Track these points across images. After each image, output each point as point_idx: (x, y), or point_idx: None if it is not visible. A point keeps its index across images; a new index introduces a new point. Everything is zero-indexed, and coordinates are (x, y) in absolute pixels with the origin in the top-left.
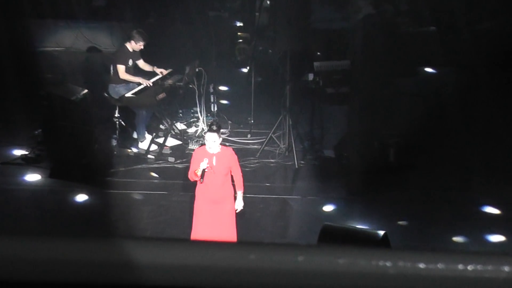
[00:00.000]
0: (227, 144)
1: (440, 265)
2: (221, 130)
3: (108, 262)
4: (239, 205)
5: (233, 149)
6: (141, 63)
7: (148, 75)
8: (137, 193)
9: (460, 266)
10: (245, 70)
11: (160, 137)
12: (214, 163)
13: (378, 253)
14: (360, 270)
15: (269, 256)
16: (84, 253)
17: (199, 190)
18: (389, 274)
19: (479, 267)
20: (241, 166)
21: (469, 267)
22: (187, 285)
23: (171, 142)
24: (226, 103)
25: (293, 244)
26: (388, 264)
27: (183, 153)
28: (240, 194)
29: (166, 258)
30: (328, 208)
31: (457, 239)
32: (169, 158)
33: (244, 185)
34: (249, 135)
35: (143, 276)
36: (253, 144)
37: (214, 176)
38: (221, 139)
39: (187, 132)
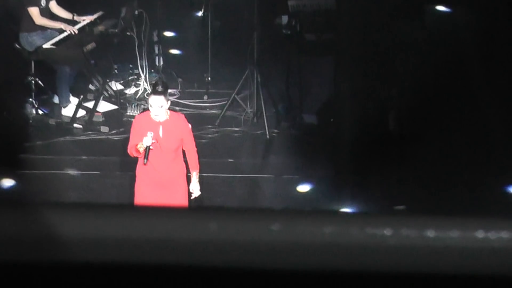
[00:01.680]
0: (177, 109)
1: (453, 233)
2: (169, 91)
3: (26, 234)
4: (195, 188)
5: (185, 115)
6: (54, 6)
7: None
8: (60, 173)
9: (479, 234)
10: (199, 11)
11: (89, 100)
12: (160, 134)
13: (372, 219)
14: (352, 239)
15: (236, 224)
16: None
17: (141, 170)
18: (387, 244)
19: (504, 234)
20: (196, 137)
21: (491, 235)
22: (128, 261)
23: (104, 107)
24: (175, 55)
25: (267, 209)
26: (386, 232)
27: (119, 121)
28: (195, 175)
29: (100, 228)
30: (309, 189)
31: None
32: (101, 127)
33: (199, 163)
34: (205, 97)
35: (71, 251)
36: (211, 108)
37: (161, 152)
38: (169, 103)
39: (125, 94)
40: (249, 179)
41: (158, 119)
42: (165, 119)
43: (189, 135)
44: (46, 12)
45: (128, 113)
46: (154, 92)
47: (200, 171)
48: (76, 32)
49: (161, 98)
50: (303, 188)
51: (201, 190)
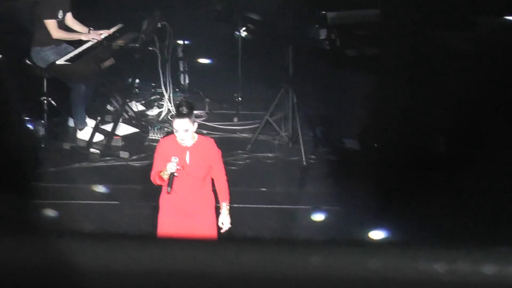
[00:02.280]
0: (204, 132)
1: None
2: (196, 113)
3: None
4: (225, 221)
5: (214, 139)
6: (69, 19)
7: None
8: (75, 203)
9: None
10: (228, 24)
11: (107, 123)
12: (187, 160)
13: (424, 252)
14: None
15: (271, 257)
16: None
17: (165, 199)
18: (441, 281)
19: None
20: (225, 163)
21: None
22: None
23: (124, 130)
24: (202, 73)
25: (306, 240)
26: (439, 267)
27: (141, 146)
28: (225, 206)
29: (120, 260)
30: (350, 222)
31: None
32: (120, 153)
33: (230, 192)
34: (235, 119)
35: (89, 285)
36: (242, 131)
37: (188, 180)
38: (196, 125)
39: (147, 116)
40: (284, 210)
41: (185, 143)
42: (192, 143)
43: (219, 161)
44: (62, 26)
45: (150, 137)
46: (179, 114)
47: (230, 202)
48: (101, 39)
49: (186, 121)
50: (344, 220)
51: (231, 222)
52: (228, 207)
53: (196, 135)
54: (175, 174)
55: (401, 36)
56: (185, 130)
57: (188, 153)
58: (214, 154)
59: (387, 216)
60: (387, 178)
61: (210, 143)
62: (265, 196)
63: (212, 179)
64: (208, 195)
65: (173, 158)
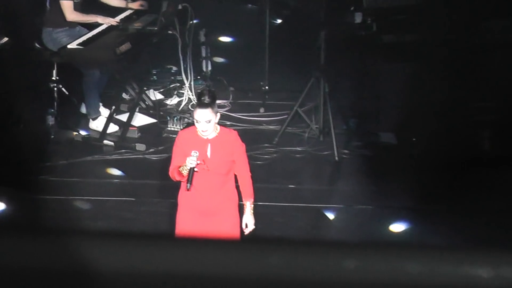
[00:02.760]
0: (228, 123)
1: None
2: (218, 103)
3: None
4: (249, 221)
5: (238, 132)
6: None
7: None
8: (87, 199)
9: None
10: (255, 6)
11: (122, 112)
12: (208, 154)
13: (466, 256)
14: None
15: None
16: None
17: (184, 196)
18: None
19: None
20: (250, 158)
21: None
22: None
23: (140, 120)
24: (225, 59)
25: (340, 242)
26: (483, 272)
27: (158, 138)
28: (249, 205)
29: (137, 261)
30: (386, 222)
31: None
32: (137, 145)
33: (254, 189)
34: (262, 109)
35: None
36: (269, 123)
37: (209, 176)
38: (218, 116)
39: (165, 105)
40: (313, 209)
41: (206, 136)
42: (214, 136)
43: (243, 156)
44: (78, 7)
45: (169, 128)
46: (200, 104)
47: (255, 200)
48: (118, 23)
49: (208, 111)
50: (379, 221)
51: (255, 223)
52: (253, 206)
53: (218, 127)
54: (196, 169)
55: (445, 23)
56: (207, 121)
57: (209, 146)
58: (237, 147)
59: (426, 217)
60: (426, 176)
61: (233, 136)
62: (293, 194)
63: (235, 175)
64: (231, 192)
65: (193, 152)
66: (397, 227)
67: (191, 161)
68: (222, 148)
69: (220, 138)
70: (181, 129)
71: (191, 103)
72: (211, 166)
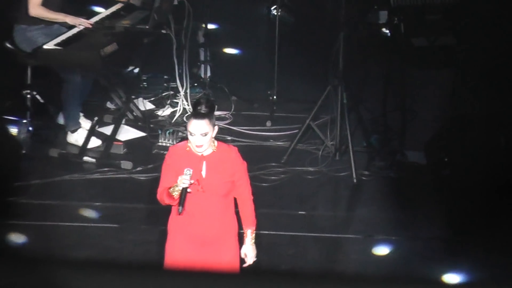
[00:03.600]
0: (229, 139)
1: None
2: (218, 114)
3: None
4: (249, 252)
5: (239, 148)
6: None
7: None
8: (64, 225)
9: None
10: (263, 3)
11: (106, 124)
12: (203, 173)
13: None
14: None
15: None
16: None
17: (175, 223)
18: None
19: None
20: (255, 179)
21: None
22: None
23: (127, 134)
24: (227, 64)
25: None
26: None
27: (148, 155)
28: (249, 234)
29: None
30: (413, 257)
31: None
32: (122, 163)
33: (257, 215)
34: (269, 123)
35: None
36: (277, 139)
37: (204, 198)
38: (216, 130)
39: (156, 116)
40: (328, 240)
41: (201, 152)
42: (210, 152)
43: (244, 176)
44: (52, 3)
45: (160, 143)
46: (196, 114)
47: (258, 227)
48: (92, 25)
49: (204, 123)
50: (404, 254)
51: (259, 254)
52: (254, 234)
53: (215, 142)
54: (189, 190)
55: (485, 23)
56: (203, 134)
57: (204, 164)
58: (237, 166)
59: (459, 250)
60: (460, 202)
61: (232, 153)
62: (305, 221)
63: (235, 199)
64: (229, 218)
65: (186, 170)
66: (425, 261)
67: (183, 180)
68: (220, 167)
69: (217, 155)
70: (172, 145)
71: (187, 114)
72: (207, 187)
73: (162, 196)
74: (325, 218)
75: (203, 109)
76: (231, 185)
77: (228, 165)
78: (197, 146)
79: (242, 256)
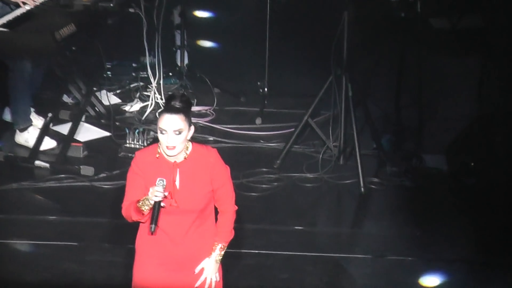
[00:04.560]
0: (211, 139)
1: None
2: (198, 110)
3: None
4: (209, 267)
5: (223, 151)
6: None
7: None
8: (13, 243)
9: None
10: None
11: (63, 122)
12: (177, 185)
13: None
14: None
15: None
16: None
17: (145, 242)
18: None
19: None
20: (241, 188)
21: None
22: None
23: (88, 133)
24: (208, 50)
25: None
26: None
27: (113, 158)
28: (218, 249)
29: None
30: (433, 281)
31: None
32: (82, 168)
33: (247, 232)
34: (258, 120)
35: None
36: (268, 139)
37: (178, 214)
38: (192, 130)
39: (123, 112)
40: (330, 260)
41: (173, 155)
42: (184, 157)
43: (226, 183)
44: None
45: (127, 145)
46: (168, 108)
47: (246, 246)
48: (38, 4)
49: (177, 119)
50: (421, 277)
51: (247, 278)
52: (223, 252)
53: (190, 145)
54: (162, 204)
55: None
56: (176, 131)
57: (178, 172)
58: (218, 172)
59: (488, 274)
60: (489, 216)
61: (212, 156)
62: (302, 239)
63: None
64: (209, 236)
65: (158, 181)
66: (447, 285)
67: (156, 193)
68: (197, 175)
69: (192, 161)
70: (140, 149)
71: (159, 110)
72: (181, 201)
73: (129, 212)
74: (327, 235)
75: (177, 103)
76: (211, 196)
77: (206, 172)
78: (168, 148)
79: (197, 269)
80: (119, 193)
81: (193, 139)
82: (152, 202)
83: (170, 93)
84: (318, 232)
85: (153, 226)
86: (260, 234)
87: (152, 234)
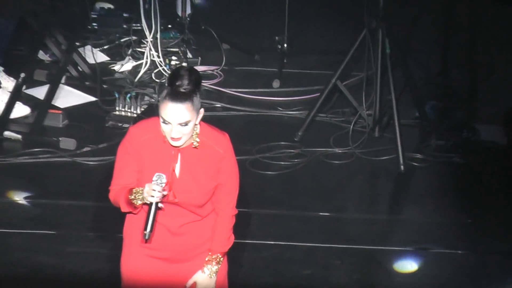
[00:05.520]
0: (218, 106)
1: None
2: (204, 70)
3: None
4: (202, 284)
5: (233, 121)
6: None
7: None
8: None
9: None
10: None
11: (38, 84)
12: (177, 173)
13: None
14: None
15: None
16: None
17: (134, 230)
18: None
19: None
20: (255, 165)
21: None
22: None
23: (69, 98)
24: None
25: None
26: None
27: (100, 129)
28: (214, 261)
29: None
30: (490, 278)
31: None
32: (62, 141)
33: (266, 219)
34: (276, 83)
35: None
36: (288, 106)
37: (175, 207)
38: (201, 114)
39: (112, 73)
40: (362, 253)
41: (178, 145)
42: (191, 143)
43: (230, 181)
44: None
45: (116, 112)
46: (174, 95)
47: (260, 236)
48: None
49: (184, 109)
50: (473, 274)
51: (261, 273)
52: (218, 266)
53: (198, 128)
54: (160, 205)
55: None
56: (183, 123)
57: (180, 158)
58: (226, 164)
59: None
60: None
61: (222, 144)
62: (329, 227)
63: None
64: (211, 224)
65: (156, 176)
66: (504, 285)
67: (153, 192)
68: (201, 165)
69: (199, 147)
70: (132, 126)
71: (157, 70)
72: (181, 194)
73: (118, 198)
74: (358, 222)
75: (184, 85)
76: (214, 190)
77: (213, 163)
78: (172, 138)
79: (188, 284)
80: (107, 171)
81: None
82: (147, 202)
83: (173, 67)
84: (347, 219)
85: (147, 233)
86: (277, 222)
87: (146, 242)
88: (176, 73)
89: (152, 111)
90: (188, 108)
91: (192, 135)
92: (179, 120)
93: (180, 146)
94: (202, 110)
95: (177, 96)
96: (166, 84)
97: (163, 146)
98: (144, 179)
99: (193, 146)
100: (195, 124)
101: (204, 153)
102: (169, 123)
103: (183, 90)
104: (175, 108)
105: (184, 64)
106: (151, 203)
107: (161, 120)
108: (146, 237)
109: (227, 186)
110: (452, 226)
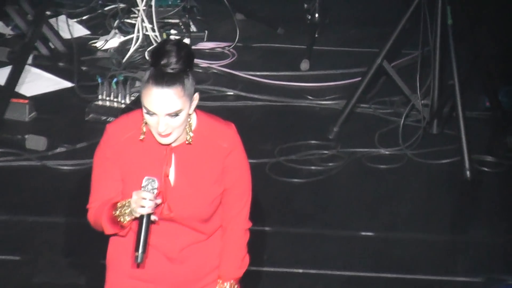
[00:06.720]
0: (231, 94)
1: None
2: (209, 46)
3: None
4: None
5: (248, 113)
6: None
7: None
8: None
9: None
10: None
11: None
12: (171, 180)
13: None
14: None
15: None
16: None
17: (120, 256)
18: None
19: None
20: (277, 169)
21: None
22: None
23: (38, 83)
24: None
25: None
26: None
27: (77, 125)
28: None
29: None
30: None
31: None
32: (28, 139)
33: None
34: (304, 64)
35: None
36: (319, 94)
37: (172, 220)
38: (196, 100)
39: (94, 51)
40: (416, 284)
41: (168, 142)
42: (186, 138)
43: (239, 183)
44: None
45: (99, 102)
46: (158, 76)
47: (282, 263)
48: None
49: (173, 96)
50: None
51: None
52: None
53: (194, 118)
54: (154, 218)
55: None
56: (172, 114)
57: (174, 159)
58: (232, 161)
59: None
60: None
61: (227, 137)
62: (373, 250)
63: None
64: (218, 247)
65: (146, 180)
66: None
67: (144, 201)
68: (202, 166)
69: (197, 142)
70: (110, 122)
71: (148, 49)
72: (178, 206)
73: (99, 218)
74: (412, 244)
75: (171, 64)
76: (220, 198)
77: (216, 162)
78: (161, 135)
79: None
80: (85, 178)
81: (197, 107)
82: (137, 215)
83: (157, 44)
84: (397, 240)
85: (139, 254)
86: (306, 243)
87: (138, 265)
88: (160, 49)
89: None
90: (177, 93)
91: (186, 129)
92: (167, 110)
93: (172, 143)
94: (196, 95)
95: (163, 78)
96: (149, 64)
97: (151, 146)
98: (129, 190)
99: (187, 142)
100: (189, 114)
101: (204, 150)
102: (154, 114)
103: (170, 71)
104: (161, 94)
105: (187, 40)
106: (141, 216)
107: (145, 110)
108: (138, 260)
109: (237, 189)
110: None
